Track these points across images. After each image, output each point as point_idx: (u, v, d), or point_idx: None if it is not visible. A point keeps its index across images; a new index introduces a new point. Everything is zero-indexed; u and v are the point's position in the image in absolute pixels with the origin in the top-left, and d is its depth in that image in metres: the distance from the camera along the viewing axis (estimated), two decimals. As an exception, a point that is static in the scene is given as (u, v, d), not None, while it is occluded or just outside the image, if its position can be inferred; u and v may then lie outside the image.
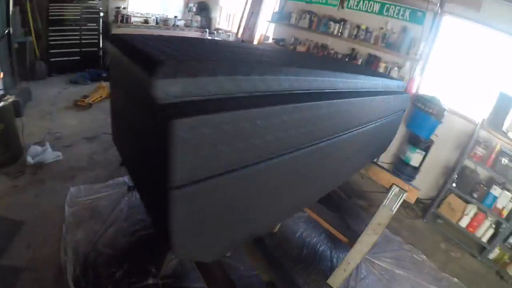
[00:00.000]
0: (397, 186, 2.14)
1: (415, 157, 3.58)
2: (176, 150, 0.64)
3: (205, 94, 0.72)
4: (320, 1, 4.37)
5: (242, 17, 6.03)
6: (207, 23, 7.38)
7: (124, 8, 6.64)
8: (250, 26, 5.76)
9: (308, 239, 2.85)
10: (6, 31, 4.07)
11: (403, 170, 3.71)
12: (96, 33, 5.85)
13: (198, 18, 7.30)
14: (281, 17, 5.01)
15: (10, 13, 4.17)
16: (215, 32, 7.32)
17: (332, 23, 4.19)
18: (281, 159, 0.92)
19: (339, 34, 4.16)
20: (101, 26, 5.88)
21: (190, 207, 0.73)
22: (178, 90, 0.67)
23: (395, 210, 2.11)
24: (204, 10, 7.22)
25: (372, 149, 2.10)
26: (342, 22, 4.09)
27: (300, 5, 4.71)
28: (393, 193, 2.13)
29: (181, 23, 7.32)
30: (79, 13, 5.57)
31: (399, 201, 2.10)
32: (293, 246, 2.76)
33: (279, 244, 2.72)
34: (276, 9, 5.24)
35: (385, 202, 2.13)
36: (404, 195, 2.10)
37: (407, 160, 3.64)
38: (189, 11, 7.32)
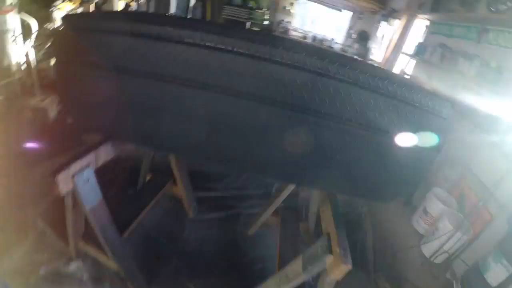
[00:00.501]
0: (327, 239, 1.49)
1: (495, 271, 2.23)
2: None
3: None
4: (459, 33, 3.43)
5: (386, 50, 5.57)
6: (364, 52, 7.21)
7: (288, 21, 7.61)
8: (390, 59, 5.23)
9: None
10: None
11: (473, 282, 2.39)
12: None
13: (357, 46, 7.26)
14: (418, 52, 4.28)
15: (189, 7, 5.81)
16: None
17: (461, 58, 3.22)
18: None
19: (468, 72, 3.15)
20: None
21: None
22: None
23: (309, 273, 1.49)
24: (364, 39, 7.10)
25: (332, 168, 1.36)
26: (474, 59, 3.07)
27: (439, 39, 3.85)
28: (318, 247, 1.51)
29: (337, 46, 7.54)
30: (246, 17, 6.90)
31: (317, 262, 1.46)
32: (253, 255, 2.49)
33: (240, 244, 2.56)
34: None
35: (306, 253, 1.57)
36: (326, 258, 1.43)
37: (483, 271, 2.32)
38: (349, 37, 7.41)
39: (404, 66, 4.75)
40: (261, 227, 2.60)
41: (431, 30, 4.11)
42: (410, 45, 4.76)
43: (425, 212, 3.12)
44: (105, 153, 1.86)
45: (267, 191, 3.26)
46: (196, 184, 3.09)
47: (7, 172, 2.42)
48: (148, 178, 2.90)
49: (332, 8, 7.41)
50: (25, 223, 2.37)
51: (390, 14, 5.51)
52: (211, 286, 2.21)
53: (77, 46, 1.31)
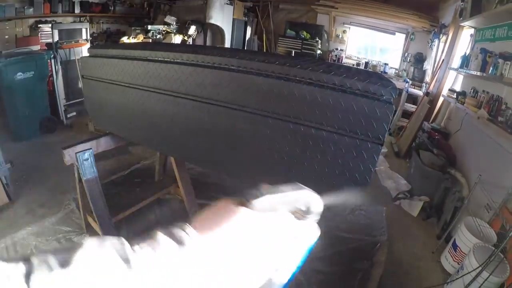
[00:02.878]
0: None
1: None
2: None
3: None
4: (502, 34, 2.93)
5: (434, 67, 5.07)
6: (419, 76, 6.66)
7: (341, 50, 7.62)
8: (438, 78, 4.74)
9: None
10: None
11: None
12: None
13: (411, 69, 6.76)
14: (462, 64, 3.82)
15: (246, 39, 6.47)
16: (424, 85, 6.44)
17: (501, 60, 2.73)
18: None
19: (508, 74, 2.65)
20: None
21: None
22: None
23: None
24: (420, 61, 6.58)
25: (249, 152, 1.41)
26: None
27: (481, 45, 3.37)
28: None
29: (391, 71, 7.16)
30: (299, 47, 7.25)
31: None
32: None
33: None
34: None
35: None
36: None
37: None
38: (404, 61, 6.97)
39: (451, 83, 4.25)
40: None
41: (476, 39, 3.66)
42: (457, 59, 4.26)
43: (455, 246, 2.64)
44: (105, 143, 2.35)
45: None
46: (210, 194, 3.36)
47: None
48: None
49: (385, 32, 7.19)
50: (62, 202, 2.97)
51: (440, 30, 5.09)
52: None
53: (90, 66, 1.86)
